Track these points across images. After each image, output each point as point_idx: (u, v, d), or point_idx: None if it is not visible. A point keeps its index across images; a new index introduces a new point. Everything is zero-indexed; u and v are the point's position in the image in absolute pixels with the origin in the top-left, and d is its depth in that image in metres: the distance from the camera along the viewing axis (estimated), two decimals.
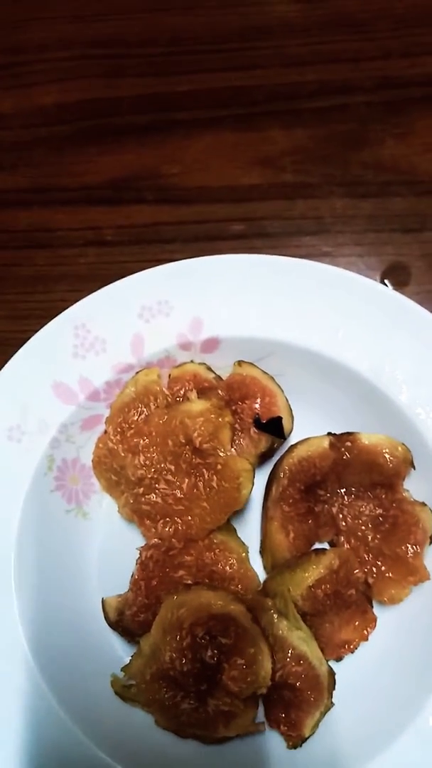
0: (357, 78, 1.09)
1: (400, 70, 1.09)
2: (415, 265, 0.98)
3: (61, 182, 1.07)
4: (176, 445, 0.82)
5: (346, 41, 1.12)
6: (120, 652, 0.84)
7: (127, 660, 0.81)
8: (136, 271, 0.88)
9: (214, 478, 0.81)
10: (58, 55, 1.14)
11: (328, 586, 0.77)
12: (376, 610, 0.82)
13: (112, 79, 1.13)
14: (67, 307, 0.87)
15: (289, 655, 0.76)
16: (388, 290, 0.84)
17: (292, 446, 0.83)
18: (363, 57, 1.10)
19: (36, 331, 0.87)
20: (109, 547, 0.88)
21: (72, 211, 1.06)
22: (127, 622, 0.82)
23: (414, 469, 0.82)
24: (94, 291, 0.87)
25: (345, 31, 1.12)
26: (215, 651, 0.76)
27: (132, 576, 0.83)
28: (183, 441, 0.82)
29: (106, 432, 0.87)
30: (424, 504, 0.81)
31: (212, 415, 0.81)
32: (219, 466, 0.81)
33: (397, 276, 0.98)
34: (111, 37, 1.14)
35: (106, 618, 0.83)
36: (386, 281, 0.97)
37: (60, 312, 0.87)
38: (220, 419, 0.81)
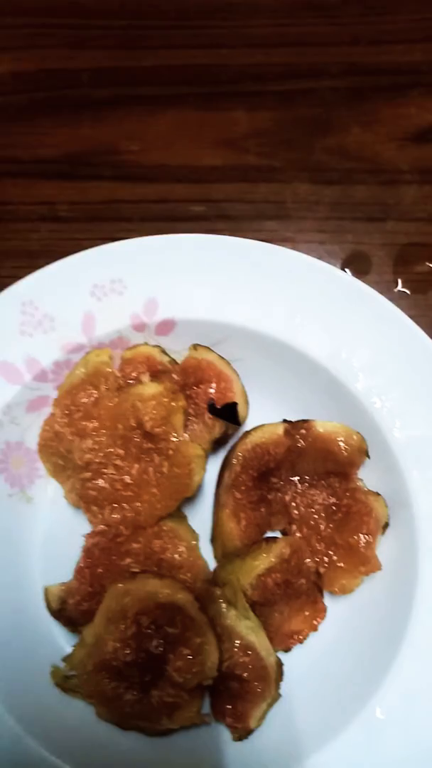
0: (324, 63, 1.07)
1: (368, 57, 1.08)
2: (377, 255, 0.97)
3: (14, 154, 1.03)
4: (126, 429, 0.79)
5: (315, 25, 1.10)
6: (62, 642, 0.81)
7: (69, 650, 0.78)
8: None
9: (165, 463, 0.78)
10: (16, 22, 1.09)
11: (279, 575, 0.75)
12: (327, 600, 0.81)
13: (71, 50, 1.09)
14: None
15: (237, 645, 0.74)
16: (347, 276, 0.83)
17: (246, 432, 0.81)
18: (331, 42, 1.09)
19: None
20: (54, 534, 0.85)
21: (24, 184, 1.01)
22: (69, 611, 0.79)
23: (368, 458, 0.81)
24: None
25: (314, 15, 1.10)
26: (161, 641, 0.73)
27: (76, 564, 0.80)
28: (134, 425, 0.79)
29: (53, 414, 0.83)
30: (377, 494, 0.80)
31: (165, 399, 0.78)
32: (170, 452, 0.78)
33: (357, 265, 0.96)
34: (72, 7, 1.10)
35: (48, 607, 0.80)
36: (347, 270, 0.96)
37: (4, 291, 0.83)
38: (173, 403, 0.78)
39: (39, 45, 1.08)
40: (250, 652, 0.74)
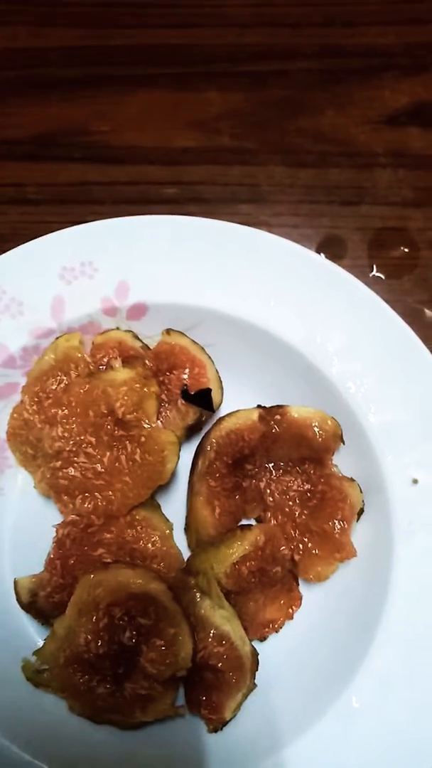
0: (297, 44, 1.06)
1: (342, 39, 1.06)
2: (351, 239, 0.96)
3: None
4: (98, 416, 0.77)
5: (289, 5, 1.08)
6: (33, 635, 0.79)
7: (41, 644, 0.76)
8: None
9: (138, 451, 0.77)
10: None
11: (253, 563, 0.74)
12: (302, 588, 0.80)
13: (40, 28, 1.05)
14: None
15: (211, 635, 0.73)
16: (322, 259, 0.82)
17: (220, 419, 0.80)
18: (304, 23, 1.07)
19: None
20: (24, 525, 0.83)
21: None
22: (40, 603, 0.77)
23: (343, 444, 0.79)
24: None
25: None
26: (134, 632, 0.72)
27: (47, 555, 0.78)
28: (105, 411, 0.77)
29: (22, 402, 0.81)
30: (352, 480, 0.79)
31: (137, 385, 0.76)
32: (143, 439, 0.76)
33: (332, 249, 0.95)
34: None
35: (18, 600, 0.78)
36: (321, 254, 0.94)
37: None
38: (145, 389, 0.76)
39: (7, 22, 1.05)
40: (224, 642, 0.73)
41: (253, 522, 0.82)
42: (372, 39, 1.06)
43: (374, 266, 0.95)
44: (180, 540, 0.82)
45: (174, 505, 0.84)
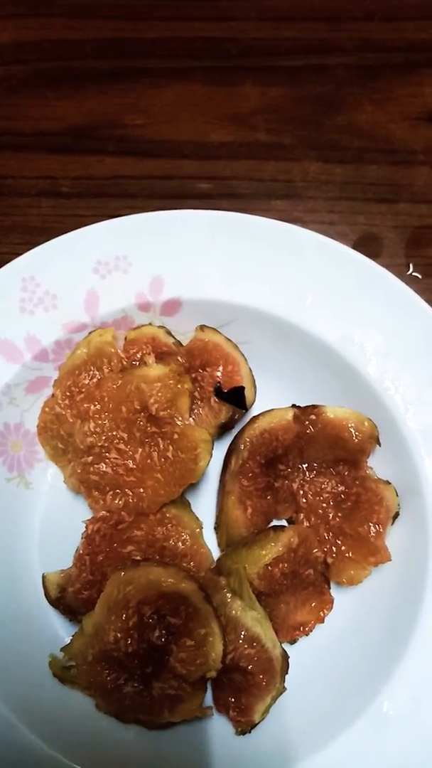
0: (336, 38, 1.04)
1: (381, 34, 1.04)
2: (388, 237, 0.94)
3: (15, 126, 0.99)
4: (130, 412, 0.76)
5: None
6: (60, 631, 0.79)
7: (68, 640, 0.75)
8: None
9: (170, 448, 0.76)
10: None
11: (286, 565, 0.73)
12: (334, 591, 0.78)
13: (75, 20, 1.05)
14: None
15: (242, 636, 0.72)
16: (360, 257, 0.80)
17: (254, 417, 0.78)
18: (344, 17, 1.05)
19: None
20: (53, 520, 0.82)
21: (25, 157, 0.98)
22: (69, 599, 0.76)
23: (379, 445, 0.78)
24: None
25: None
26: (163, 631, 0.71)
27: (76, 551, 0.78)
28: (138, 408, 0.76)
29: (53, 395, 0.80)
30: (388, 482, 0.77)
31: (170, 381, 0.75)
32: (176, 436, 0.75)
33: (368, 247, 0.93)
34: None
35: (47, 595, 0.77)
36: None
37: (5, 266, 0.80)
38: (179, 386, 0.75)
39: (42, 14, 1.04)
40: (255, 644, 0.72)
41: (284, 523, 0.81)
42: (412, 34, 1.04)
43: (411, 265, 0.93)
44: (209, 539, 0.81)
45: (203, 504, 0.83)
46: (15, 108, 1.00)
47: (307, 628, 0.77)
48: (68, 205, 0.95)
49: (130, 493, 0.76)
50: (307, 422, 0.77)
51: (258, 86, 1.02)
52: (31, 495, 0.82)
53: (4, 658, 0.74)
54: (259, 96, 1.01)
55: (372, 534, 0.75)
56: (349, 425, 0.76)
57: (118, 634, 0.71)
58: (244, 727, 0.73)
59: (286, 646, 0.76)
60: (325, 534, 0.77)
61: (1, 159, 0.97)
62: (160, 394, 0.75)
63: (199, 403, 0.80)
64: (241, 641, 0.72)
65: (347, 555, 0.76)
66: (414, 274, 0.92)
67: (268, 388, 0.82)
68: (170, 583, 0.70)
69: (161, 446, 0.76)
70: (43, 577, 0.78)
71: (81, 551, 0.77)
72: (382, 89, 1.01)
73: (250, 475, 0.77)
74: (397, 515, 0.77)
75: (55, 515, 0.82)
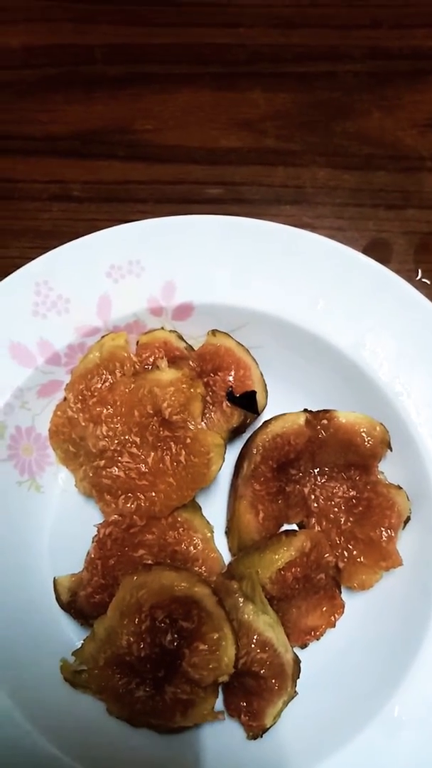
0: (345, 46, 1.05)
1: (390, 42, 1.05)
2: (397, 243, 0.95)
3: (25, 130, 0.99)
4: (143, 416, 0.76)
5: (336, 6, 1.07)
6: (71, 635, 0.79)
7: (79, 644, 0.75)
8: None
9: (183, 452, 0.76)
10: None
11: (299, 569, 0.73)
12: (344, 595, 0.79)
13: (84, 25, 1.05)
14: None
15: (254, 641, 0.72)
16: (371, 262, 0.80)
17: (267, 422, 0.78)
18: (352, 25, 1.06)
19: None
20: (63, 524, 0.82)
21: (36, 162, 0.98)
22: (80, 603, 0.76)
23: (391, 450, 0.78)
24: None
25: None
26: (175, 635, 0.71)
27: (87, 554, 0.78)
28: (151, 412, 0.76)
29: (65, 399, 0.80)
30: (399, 487, 0.78)
31: (183, 386, 0.75)
32: (188, 440, 0.75)
33: (378, 252, 0.94)
34: None
35: (58, 599, 0.77)
36: None
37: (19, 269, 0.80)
38: (191, 390, 0.75)
39: (52, 18, 1.04)
40: (267, 648, 0.72)
41: (294, 527, 0.81)
42: (420, 41, 1.05)
43: (420, 271, 0.94)
44: (220, 543, 0.81)
45: (213, 508, 0.83)
46: (25, 113, 1.00)
47: (318, 633, 0.77)
48: (79, 209, 0.95)
49: (142, 497, 0.76)
50: (319, 427, 0.77)
51: (266, 92, 1.02)
52: (42, 498, 0.82)
53: (16, 662, 0.74)
54: (268, 102, 1.02)
55: (384, 539, 0.76)
56: (361, 430, 0.77)
57: (131, 638, 0.71)
58: (256, 731, 0.73)
59: (297, 651, 0.76)
60: (337, 538, 0.77)
61: (11, 163, 0.98)
62: (173, 398, 0.75)
63: (211, 407, 0.80)
64: (253, 645, 0.72)
65: (359, 560, 0.77)
66: (423, 279, 0.93)
67: (279, 393, 0.83)
68: (183, 588, 0.70)
69: (174, 450, 0.76)
70: (55, 581, 0.78)
71: (92, 555, 0.77)
72: (390, 96, 1.02)
73: (262, 479, 0.77)
74: (408, 520, 0.77)
75: (65, 519, 0.82)
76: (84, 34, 1.05)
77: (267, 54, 1.04)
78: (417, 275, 0.93)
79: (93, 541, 0.78)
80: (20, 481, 0.80)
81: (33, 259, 0.80)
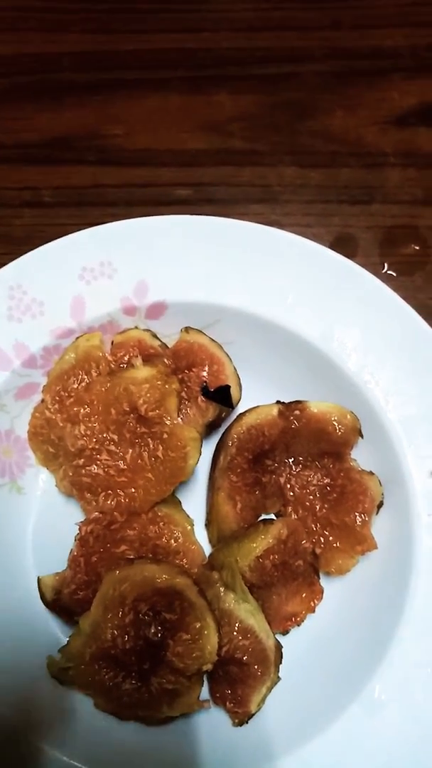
0: (306, 47, 1.07)
1: (350, 42, 1.08)
2: (363, 237, 0.97)
3: None
4: (120, 414, 0.78)
5: (296, 9, 1.09)
6: (57, 633, 0.80)
7: (65, 641, 0.76)
8: None
9: (160, 447, 0.77)
10: None
11: (276, 556, 0.75)
12: (322, 581, 0.81)
13: (51, 34, 1.07)
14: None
15: (236, 628, 0.74)
16: (337, 256, 0.82)
17: (241, 415, 0.80)
18: (312, 26, 1.08)
19: None
20: (45, 524, 0.84)
21: (6, 169, 0.99)
22: (65, 601, 0.77)
23: (362, 438, 0.80)
24: None
25: None
26: (159, 627, 0.72)
27: (70, 553, 0.79)
28: (127, 409, 0.77)
29: (43, 401, 0.81)
30: (371, 473, 0.80)
31: (159, 382, 0.77)
32: (165, 435, 0.77)
33: (344, 247, 0.96)
34: None
35: (43, 598, 0.78)
36: None
37: None
38: (167, 386, 0.77)
39: (18, 28, 1.06)
40: (249, 635, 0.74)
41: (272, 517, 0.83)
42: (379, 41, 1.08)
43: (385, 264, 0.96)
44: (200, 535, 0.82)
45: (193, 501, 0.85)
46: None
47: (298, 619, 0.79)
48: (50, 214, 0.97)
49: (122, 494, 0.78)
50: (291, 417, 0.79)
51: (232, 95, 1.04)
52: (23, 500, 0.83)
53: (4, 662, 0.75)
54: (234, 104, 1.04)
55: (358, 523, 0.78)
56: (333, 419, 0.79)
57: (115, 632, 0.72)
58: (241, 717, 0.75)
59: (278, 637, 0.78)
60: (313, 525, 0.79)
61: None
62: (148, 395, 0.76)
63: (186, 402, 0.82)
64: (235, 633, 0.73)
65: (335, 545, 0.79)
66: (389, 272, 0.95)
67: (253, 387, 0.84)
68: (165, 579, 0.72)
69: (151, 446, 0.78)
70: (39, 580, 0.79)
71: (75, 553, 0.78)
72: (352, 95, 1.05)
73: (238, 470, 0.79)
74: (381, 504, 0.79)
75: (47, 519, 0.84)
76: (52, 42, 1.06)
77: (232, 57, 1.06)
78: (383, 268, 0.95)
79: (75, 540, 0.79)
80: (1, 483, 0.82)
81: (6, 264, 0.82)
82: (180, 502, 0.82)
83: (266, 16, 1.09)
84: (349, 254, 0.95)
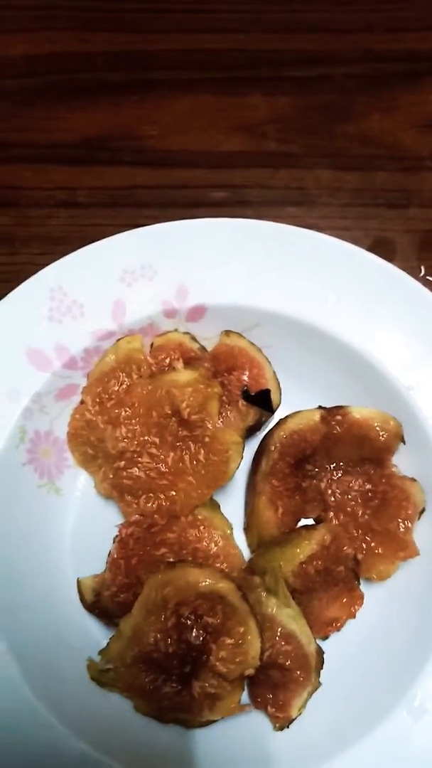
0: (340, 50, 1.07)
1: (383, 44, 1.07)
2: (400, 241, 0.97)
3: (29, 138, 1.00)
4: (161, 417, 0.77)
5: (329, 11, 1.09)
6: (96, 635, 0.79)
7: (104, 643, 0.76)
8: (112, 235, 0.82)
9: (201, 451, 0.77)
10: (27, 3, 1.06)
11: (320, 562, 0.74)
12: (362, 586, 0.80)
13: (84, 33, 1.06)
14: (37, 271, 0.81)
15: (278, 633, 0.73)
16: (379, 260, 0.82)
17: (283, 419, 0.80)
18: (345, 29, 1.08)
19: (1, 294, 0.80)
20: (83, 525, 0.83)
21: (40, 169, 0.99)
22: (104, 603, 0.77)
23: (404, 443, 0.80)
24: (67, 254, 0.81)
25: (326, 1, 1.10)
26: (200, 631, 0.72)
27: (109, 555, 0.79)
28: (169, 412, 0.77)
29: (83, 402, 0.81)
30: (413, 479, 0.79)
31: (201, 386, 0.77)
32: (207, 439, 0.77)
33: (381, 251, 0.94)
34: None
35: (82, 600, 0.78)
36: None
37: (29, 275, 0.81)
38: (209, 390, 0.77)
39: (52, 27, 1.06)
40: (291, 641, 0.73)
41: (311, 522, 0.82)
42: (413, 44, 1.08)
43: (423, 268, 0.96)
44: (238, 539, 0.82)
45: (230, 505, 0.84)
46: (28, 120, 1.01)
47: (339, 624, 0.79)
48: (86, 214, 0.97)
49: (163, 497, 0.78)
50: (333, 423, 0.79)
51: (266, 96, 1.04)
52: (61, 501, 0.83)
53: (44, 664, 0.75)
54: (268, 106, 1.04)
55: (401, 530, 0.78)
56: (375, 425, 0.79)
57: (158, 635, 0.72)
58: (282, 722, 0.75)
59: (319, 642, 0.78)
60: (355, 531, 0.79)
61: (16, 171, 0.99)
62: (191, 398, 0.76)
63: (226, 406, 0.82)
64: (277, 638, 0.73)
65: (377, 551, 0.78)
66: (427, 276, 0.95)
67: (292, 391, 0.84)
68: (208, 584, 0.71)
69: (192, 449, 0.78)
70: (78, 582, 0.79)
71: (115, 555, 0.78)
72: (387, 98, 1.04)
73: (280, 475, 0.78)
74: (423, 511, 0.79)
75: (84, 521, 0.83)
76: (85, 42, 1.06)
77: (265, 59, 1.06)
78: (420, 272, 0.95)
79: (114, 542, 0.79)
80: (40, 484, 0.81)
81: (42, 264, 0.81)
82: (219, 506, 0.82)
83: (299, 18, 1.09)
84: (387, 258, 0.94)
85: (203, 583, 0.72)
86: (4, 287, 0.81)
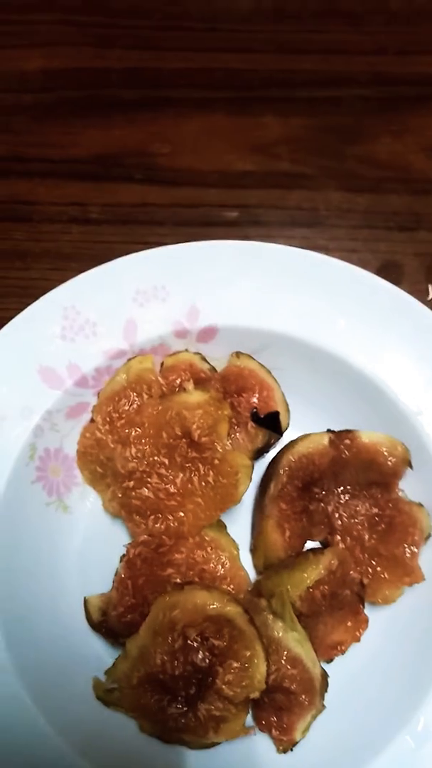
0: (351, 71, 1.08)
1: (394, 67, 1.08)
2: (409, 264, 0.97)
3: (43, 153, 1.01)
4: (171, 438, 0.78)
5: (340, 33, 1.10)
6: (102, 654, 0.80)
7: (110, 663, 0.76)
8: (124, 253, 0.83)
9: (211, 473, 0.77)
10: (44, 18, 1.07)
11: (326, 587, 0.75)
12: (367, 610, 0.81)
13: (99, 49, 1.07)
14: (49, 286, 0.82)
15: (284, 657, 0.74)
16: (388, 285, 0.83)
17: (292, 442, 0.80)
18: (356, 51, 1.09)
19: (14, 309, 0.81)
20: (90, 544, 0.84)
21: (54, 184, 0.99)
22: (111, 622, 0.77)
23: (411, 468, 0.81)
24: (78, 270, 0.82)
25: (338, 23, 1.11)
26: (207, 653, 0.72)
27: (116, 574, 0.79)
28: (179, 433, 0.77)
29: (93, 421, 0.81)
30: (420, 504, 0.80)
31: (211, 408, 0.77)
32: (216, 461, 0.77)
33: (390, 274, 0.97)
34: (101, 4, 1.08)
35: (89, 618, 0.78)
36: None
37: (40, 291, 0.81)
38: (219, 412, 0.77)
39: (68, 43, 1.06)
40: (297, 665, 0.74)
41: (317, 545, 0.83)
42: (425, 67, 1.08)
43: (431, 291, 0.96)
44: (244, 560, 0.82)
45: (236, 526, 0.85)
46: (43, 135, 1.01)
47: (343, 647, 0.79)
48: (98, 231, 0.97)
49: (171, 517, 0.78)
50: (342, 446, 0.79)
51: (278, 117, 1.05)
52: (69, 519, 0.83)
53: (49, 683, 0.75)
54: (280, 126, 1.04)
55: (407, 555, 0.78)
56: (383, 449, 0.79)
57: (164, 657, 0.72)
58: (286, 745, 0.75)
59: (323, 665, 0.78)
60: (361, 555, 0.80)
61: (29, 186, 0.99)
62: (201, 420, 0.77)
63: (235, 428, 0.82)
64: (283, 662, 0.74)
65: (382, 575, 0.79)
66: None
67: (300, 413, 0.85)
68: (216, 607, 0.72)
69: (202, 471, 0.78)
70: (85, 601, 0.79)
71: (122, 575, 0.78)
72: (398, 121, 1.05)
73: (288, 498, 0.79)
74: (429, 536, 0.80)
75: (92, 539, 0.84)
76: (100, 58, 1.06)
77: (277, 79, 1.07)
78: (428, 295, 0.96)
79: (121, 561, 0.79)
80: (48, 502, 0.82)
81: (54, 280, 0.82)
82: (225, 526, 0.82)
83: (312, 39, 1.09)
84: (395, 281, 0.95)
85: (211, 606, 0.72)
86: (19, 302, 0.81)
